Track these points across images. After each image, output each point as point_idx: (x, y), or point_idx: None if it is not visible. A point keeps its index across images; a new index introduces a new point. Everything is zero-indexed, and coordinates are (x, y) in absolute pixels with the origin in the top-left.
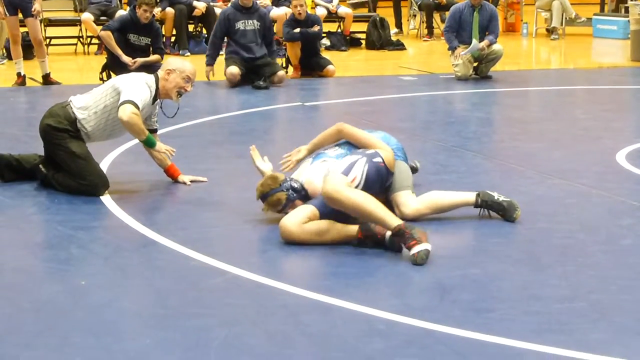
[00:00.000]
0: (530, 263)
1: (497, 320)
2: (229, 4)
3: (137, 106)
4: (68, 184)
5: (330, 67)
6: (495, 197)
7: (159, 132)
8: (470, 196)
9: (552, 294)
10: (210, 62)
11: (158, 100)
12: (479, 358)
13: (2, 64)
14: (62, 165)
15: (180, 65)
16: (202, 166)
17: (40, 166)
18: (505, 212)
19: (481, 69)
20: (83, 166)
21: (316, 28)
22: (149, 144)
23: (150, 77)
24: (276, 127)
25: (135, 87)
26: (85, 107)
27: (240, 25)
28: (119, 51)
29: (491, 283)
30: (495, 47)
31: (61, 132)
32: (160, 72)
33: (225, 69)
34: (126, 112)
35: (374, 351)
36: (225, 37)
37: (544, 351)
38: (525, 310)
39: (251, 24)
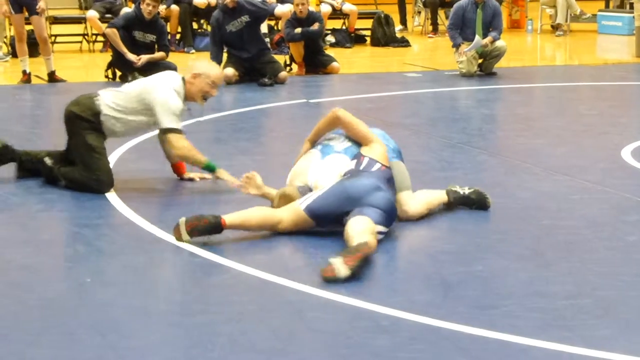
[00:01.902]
0: (534, 259)
1: (502, 316)
2: (217, 9)
3: (180, 131)
4: (74, 176)
5: (334, 64)
6: (461, 192)
7: None
8: (444, 195)
9: (557, 291)
10: None
11: (185, 102)
12: (483, 354)
13: (6, 61)
14: (75, 155)
15: (207, 69)
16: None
17: (46, 159)
18: (476, 204)
19: (485, 66)
20: (95, 160)
21: (316, 26)
22: (209, 170)
23: (178, 82)
24: (281, 124)
25: (168, 104)
26: (112, 104)
27: (230, 27)
28: (124, 49)
29: (495, 279)
30: (499, 43)
31: (83, 121)
32: (186, 75)
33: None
34: (176, 145)
35: (379, 347)
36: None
37: (548, 347)
38: (530, 307)
39: (240, 22)
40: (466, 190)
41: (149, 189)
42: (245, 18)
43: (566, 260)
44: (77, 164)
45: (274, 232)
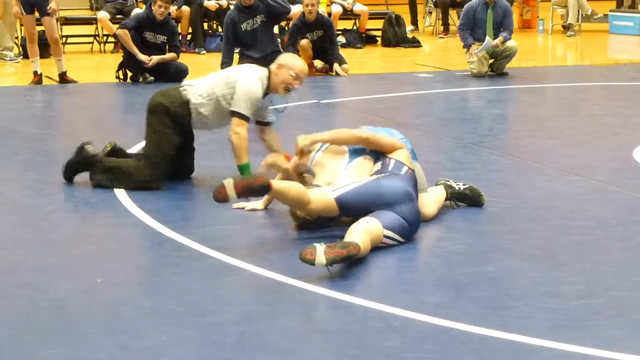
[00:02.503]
0: (546, 260)
1: (513, 317)
2: (233, 6)
3: (246, 119)
4: (121, 164)
5: (344, 66)
6: (457, 188)
7: None
8: (444, 191)
9: (569, 291)
10: None
11: (269, 94)
12: (494, 355)
13: (18, 62)
14: (145, 144)
15: (291, 61)
16: (219, 163)
17: (88, 147)
18: (470, 200)
19: (497, 66)
20: (157, 163)
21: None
22: (243, 171)
23: (264, 71)
24: (292, 124)
25: (250, 90)
26: (200, 91)
27: (245, 26)
28: (135, 49)
29: (507, 280)
30: (510, 43)
31: (169, 117)
32: (272, 66)
33: None
34: (234, 129)
35: (389, 348)
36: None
37: (560, 348)
38: (541, 307)
39: (256, 22)
40: (461, 186)
41: (160, 189)
42: (260, 17)
43: (578, 261)
44: (135, 155)
45: (284, 234)
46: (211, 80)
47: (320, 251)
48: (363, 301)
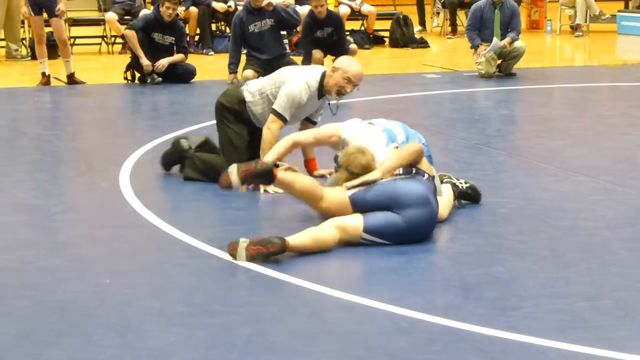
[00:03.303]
0: (554, 261)
1: (521, 318)
2: (241, 7)
3: (283, 119)
4: (210, 160)
5: (352, 45)
6: (460, 187)
7: (189, 128)
8: (451, 192)
9: (577, 292)
10: (234, 70)
11: (325, 96)
12: (503, 356)
13: (27, 59)
14: (219, 142)
15: (346, 65)
16: None
17: (182, 140)
18: (471, 199)
19: (505, 67)
20: (230, 154)
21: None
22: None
23: (317, 74)
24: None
25: (293, 92)
26: (254, 90)
27: (253, 27)
28: (140, 52)
29: (515, 281)
30: (518, 44)
31: (229, 112)
32: (328, 69)
33: (242, 71)
34: (268, 126)
35: (397, 349)
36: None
37: (568, 349)
38: (550, 308)
39: (265, 24)
40: (463, 185)
41: (167, 190)
42: (270, 21)
43: (586, 262)
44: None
45: (292, 234)
46: (266, 79)
47: (242, 247)
48: (371, 302)
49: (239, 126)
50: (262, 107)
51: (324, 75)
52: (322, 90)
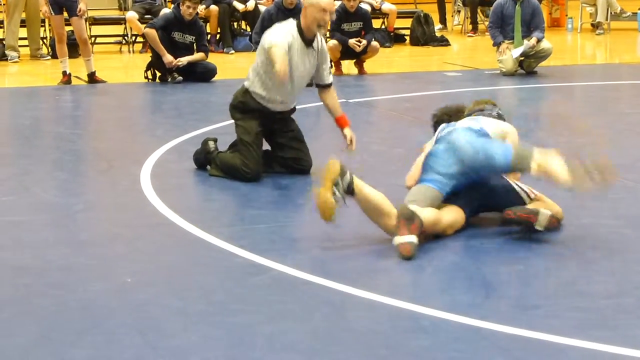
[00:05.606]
0: (575, 259)
1: (543, 316)
2: (273, 3)
3: (273, 44)
4: (228, 160)
5: (373, 43)
6: None
7: (210, 127)
8: None
9: (598, 290)
10: None
11: (308, 39)
12: (524, 354)
13: (47, 59)
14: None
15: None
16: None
17: (210, 142)
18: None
19: (529, 64)
20: (244, 151)
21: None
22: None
23: (292, 23)
24: (321, 124)
25: (270, 35)
26: (249, 75)
27: None
28: (162, 50)
29: (536, 279)
30: (545, 45)
31: (236, 109)
32: (301, 15)
33: None
34: (269, 49)
35: (419, 348)
36: None
37: (589, 347)
38: (571, 307)
39: None
40: None
41: (188, 189)
42: None
43: (607, 260)
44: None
45: (312, 233)
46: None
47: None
48: (392, 300)
49: (247, 121)
50: (261, 84)
51: (299, 22)
52: (305, 37)
